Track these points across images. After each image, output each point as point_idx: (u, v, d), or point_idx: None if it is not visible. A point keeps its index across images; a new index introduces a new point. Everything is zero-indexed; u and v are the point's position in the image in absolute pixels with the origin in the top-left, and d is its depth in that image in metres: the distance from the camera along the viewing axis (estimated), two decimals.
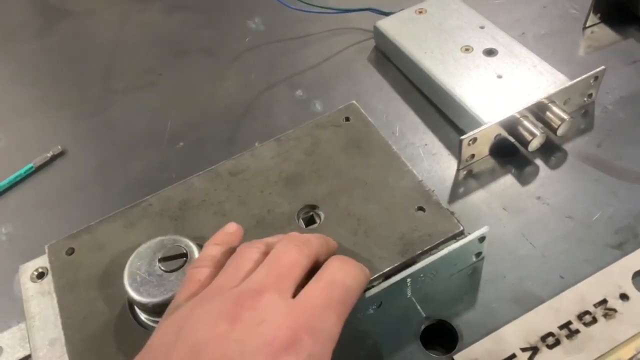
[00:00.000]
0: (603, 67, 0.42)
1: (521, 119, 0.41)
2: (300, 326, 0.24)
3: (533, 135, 0.40)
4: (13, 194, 0.47)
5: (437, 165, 0.43)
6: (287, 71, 0.52)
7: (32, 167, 0.48)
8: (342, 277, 0.27)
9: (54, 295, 0.35)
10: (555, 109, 0.41)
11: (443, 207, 0.36)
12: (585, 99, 0.44)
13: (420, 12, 0.50)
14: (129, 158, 0.48)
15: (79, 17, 0.64)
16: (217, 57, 0.55)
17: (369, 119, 0.41)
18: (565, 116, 0.40)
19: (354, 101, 0.43)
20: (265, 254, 0.28)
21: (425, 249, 0.34)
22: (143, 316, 0.33)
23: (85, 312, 0.34)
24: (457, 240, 0.34)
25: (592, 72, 0.42)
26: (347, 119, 0.42)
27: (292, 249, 0.28)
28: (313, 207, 0.37)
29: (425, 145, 0.44)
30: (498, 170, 0.42)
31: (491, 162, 0.42)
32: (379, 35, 0.51)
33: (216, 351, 0.23)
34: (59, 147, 0.49)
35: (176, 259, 0.33)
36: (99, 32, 0.61)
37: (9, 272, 0.40)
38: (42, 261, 0.38)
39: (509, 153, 0.42)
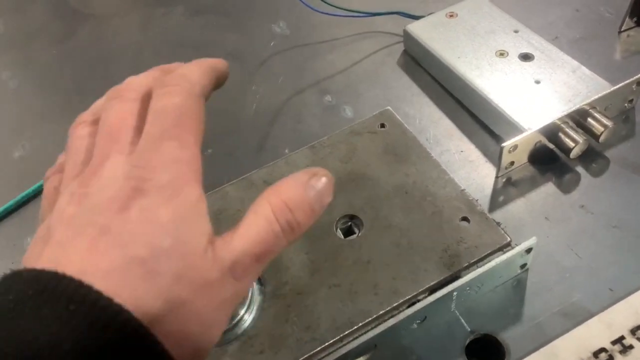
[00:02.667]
0: None
1: (562, 125, 0.39)
2: (142, 161, 0.22)
3: (575, 142, 0.39)
4: (37, 203, 0.46)
5: (474, 173, 0.42)
6: (315, 76, 0.51)
7: None
8: (166, 101, 0.24)
9: None
10: (597, 115, 0.40)
11: (489, 218, 0.35)
12: (627, 104, 0.43)
13: (451, 16, 0.49)
14: None
15: (101, 21, 0.63)
16: (243, 62, 0.54)
17: (405, 126, 0.40)
18: (608, 123, 0.39)
19: (388, 107, 0.42)
20: (96, 126, 0.25)
21: (472, 261, 0.33)
22: None
23: None
24: (505, 252, 0.33)
25: (635, 78, 0.40)
26: (383, 125, 0.41)
27: (114, 105, 0.25)
28: (352, 217, 0.36)
29: (462, 152, 0.43)
30: (538, 178, 0.41)
31: (530, 170, 0.41)
32: (409, 39, 0.50)
33: (67, 228, 0.21)
34: None
35: None
36: (121, 36, 0.60)
37: None
38: None
39: (549, 160, 0.41)
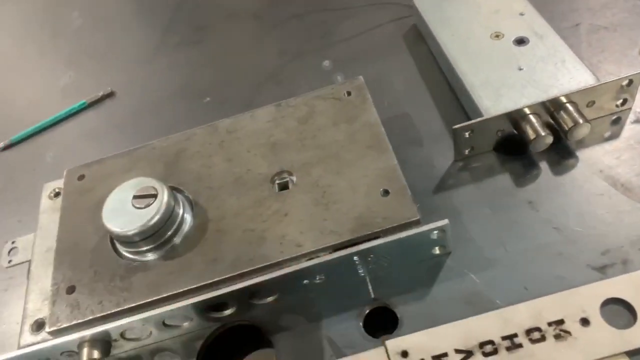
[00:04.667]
0: (639, 71, 0.37)
1: (530, 115, 0.37)
2: None
3: (537, 134, 0.37)
4: (66, 124, 0.54)
5: (435, 153, 0.41)
6: (321, 41, 0.53)
7: (84, 103, 0.54)
8: None
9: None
10: (571, 110, 0.37)
11: (408, 194, 0.35)
12: (618, 104, 0.39)
13: None
14: (164, 106, 0.52)
15: None
16: (262, 22, 0.57)
17: (369, 96, 0.41)
18: (580, 120, 0.37)
19: (360, 76, 0.42)
20: None
21: (375, 230, 0.34)
22: (117, 244, 0.37)
23: (77, 230, 0.39)
24: (411, 229, 0.33)
25: (623, 75, 0.37)
26: (349, 93, 0.42)
27: None
28: (289, 174, 0.38)
29: (431, 131, 0.43)
30: (497, 167, 0.39)
31: (492, 158, 0.40)
32: (416, 13, 0.49)
33: None
34: (110, 88, 0.55)
35: (147, 198, 0.36)
36: None
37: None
38: (62, 182, 0.44)
39: (515, 151, 0.40)
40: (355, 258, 0.34)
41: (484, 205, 0.37)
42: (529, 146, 0.37)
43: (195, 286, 0.34)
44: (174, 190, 0.38)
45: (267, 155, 0.40)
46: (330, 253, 0.34)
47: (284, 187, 0.38)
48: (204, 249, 0.36)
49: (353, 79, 0.42)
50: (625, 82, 0.37)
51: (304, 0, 0.58)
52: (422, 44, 0.49)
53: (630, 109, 0.40)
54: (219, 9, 0.60)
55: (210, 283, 0.34)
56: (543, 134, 0.37)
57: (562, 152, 0.39)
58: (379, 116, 0.39)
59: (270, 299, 0.36)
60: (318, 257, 0.34)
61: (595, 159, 0.38)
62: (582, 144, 0.39)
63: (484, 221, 0.37)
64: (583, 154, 0.38)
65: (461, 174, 0.40)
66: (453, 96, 0.44)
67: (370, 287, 0.35)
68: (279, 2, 0.59)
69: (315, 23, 0.55)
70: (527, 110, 0.38)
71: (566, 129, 0.37)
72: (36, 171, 0.51)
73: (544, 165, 0.39)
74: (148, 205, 0.36)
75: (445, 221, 0.33)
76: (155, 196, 0.36)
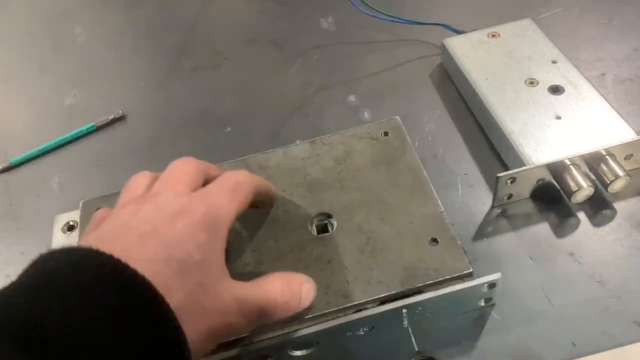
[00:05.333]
0: None
1: (571, 166, 0.38)
2: (193, 198, 0.29)
3: (579, 186, 0.37)
4: (72, 147, 0.51)
5: (471, 198, 0.41)
6: (346, 75, 0.52)
7: (93, 126, 0.52)
8: (233, 175, 0.32)
9: None
10: (611, 162, 0.37)
11: (457, 244, 0.34)
12: None
13: (494, 36, 0.48)
14: (181, 133, 0.50)
15: None
16: (284, 51, 0.56)
17: (407, 138, 0.40)
18: (620, 173, 0.37)
19: (397, 117, 0.42)
20: (156, 178, 0.32)
21: (427, 283, 0.33)
22: None
23: None
24: (464, 282, 0.32)
25: None
26: (386, 133, 0.41)
27: (180, 165, 0.32)
28: (329, 216, 0.37)
29: (465, 174, 0.42)
30: (535, 215, 0.39)
31: (530, 206, 0.40)
32: (445, 53, 0.49)
33: (121, 227, 0.27)
34: (120, 111, 0.52)
35: None
36: (183, 8, 0.64)
37: (50, 218, 0.44)
38: (75, 215, 0.41)
39: (553, 200, 0.40)
40: (403, 311, 0.33)
41: (525, 255, 0.37)
42: (571, 197, 0.37)
43: (234, 338, 0.32)
44: None
45: (304, 195, 0.38)
46: (379, 305, 0.33)
47: (322, 230, 0.37)
48: None
49: (390, 119, 0.42)
50: None
51: (326, 32, 0.57)
52: (449, 84, 0.49)
53: None
54: (237, 33, 0.59)
55: (251, 335, 0.32)
56: (585, 185, 0.37)
57: (599, 203, 0.39)
58: None
59: (309, 350, 0.34)
60: (366, 308, 0.33)
61: (633, 212, 0.38)
62: (619, 196, 0.39)
63: (526, 272, 0.36)
64: (620, 206, 0.39)
65: (500, 221, 0.39)
66: (485, 139, 0.44)
67: (413, 339, 0.34)
68: (300, 31, 0.58)
69: (339, 56, 0.54)
70: (567, 162, 0.38)
71: (607, 181, 0.37)
72: (40, 197, 0.48)
73: (582, 216, 0.39)
74: None
75: (498, 274, 0.32)
76: None
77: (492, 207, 0.40)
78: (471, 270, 0.33)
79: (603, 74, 0.47)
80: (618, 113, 0.40)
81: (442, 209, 0.36)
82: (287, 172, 0.40)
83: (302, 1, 0.62)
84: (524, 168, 0.37)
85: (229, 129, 0.49)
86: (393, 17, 0.53)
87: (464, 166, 0.43)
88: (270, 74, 0.54)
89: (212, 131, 0.50)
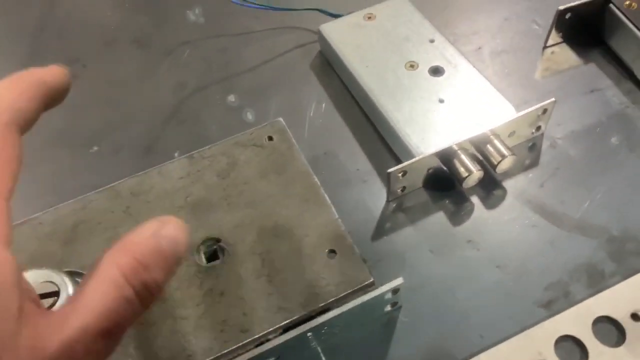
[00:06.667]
0: (553, 99, 0.38)
1: (459, 151, 0.37)
2: None
3: (469, 171, 0.36)
4: None
5: (366, 194, 0.39)
6: (222, 72, 0.48)
7: None
8: None
9: None
10: (497, 143, 0.37)
11: (356, 252, 0.32)
12: (533, 131, 0.40)
13: (369, 18, 0.46)
14: (39, 159, 0.44)
15: None
16: (149, 50, 0.50)
17: (294, 141, 0.38)
18: (506, 152, 0.37)
19: (280, 118, 0.39)
20: None
21: (330, 300, 0.31)
22: None
23: None
24: (366, 292, 0.31)
25: (540, 105, 0.38)
26: (271, 138, 0.38)
27: None
28: (218, 241, 0.34)
29: (357, 170, 0.41)
30: (430, 205, 0.38)
31: (424, 196, 0.39)
32: (323, 40, 0.47)
33: None
34: None
35: (47, 298, 0.29)
36: (25, 11, 0.56)
37: None
38: None
39: (446, 187, 0.39)
40: (308, 334, 0.31)
41: (425, 249, 0.36)
42: (462, 182, 0.37)
43: None
44: (77, 277, 0.31)
45: (188, 219, 0.34)
46: (282, 334, 0.30)
47: (211, 257, 0.34)
48: (127, 350, 0.30)
49: (273, 122, 0.39)
50: (540, 112, 0.39)
51: (194, 25, 0.52)
52: (332, 73, 0.47)
53: (542, 134, 0.41)
54: (92, 35, 0.52)
55: None
56: (474, 170, 0.36)
57: (490, 184, 0.39)
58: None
59: None
60: (268, 340, 0.30)
61: (521, 189, 0.39)
62: (507, 174, 0.39)
63: (428, 266, 0.36)
64: (508, 185, 0.39)
65: (397, 216, 0.38)
66: (373, 129, 0.43)
67: (323, 358, 0.33)
68: (165, 26, 0.52)
69: (212, 51, 0.50)
70: (455, 147, 0.37)
71: (495, 163, 0.37)
72: None
73: (475, 200, 0.38)
74: (51, 307, 0.29)
75: (400, 280, 0.31)
76: (57, 293, 0.29)
77: (388, 201, 0.39)
78: (372, 280, 0.31)
79: (479, 48, 0.47)
80: (497, 89, 0.40)
81: (337, 216, 0.34)
82: (165, 195, 0.36)
83: None
84: (413, 160, 0.36)
85: (95, 148, 0.44)
86: (264, 5, 0.49)
87: (356, 161, 0.41)
88: (136, 78, 0.48)
89: (75, 152, 0.44)
